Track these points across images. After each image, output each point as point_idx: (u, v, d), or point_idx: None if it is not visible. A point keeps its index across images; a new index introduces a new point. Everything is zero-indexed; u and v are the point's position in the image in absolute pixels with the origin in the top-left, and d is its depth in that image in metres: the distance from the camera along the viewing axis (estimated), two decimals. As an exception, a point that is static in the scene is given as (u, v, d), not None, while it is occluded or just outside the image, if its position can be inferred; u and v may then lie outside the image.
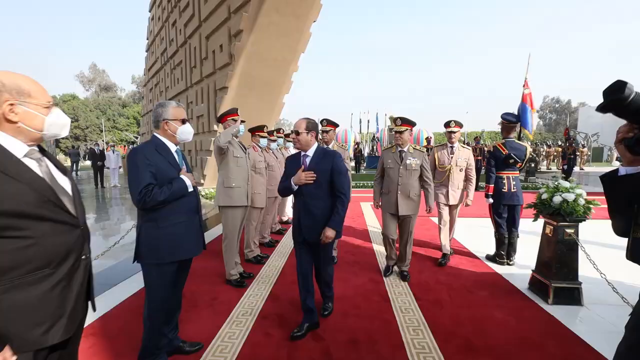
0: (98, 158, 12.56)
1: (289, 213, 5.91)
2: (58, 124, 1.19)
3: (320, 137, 4.08)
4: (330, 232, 2.33)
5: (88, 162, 20.47)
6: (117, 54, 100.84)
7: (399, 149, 3.35)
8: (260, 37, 7.57)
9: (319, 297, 2.69)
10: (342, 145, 3.99)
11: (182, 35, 11.61)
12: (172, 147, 2.00)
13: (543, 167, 21.44)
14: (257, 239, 4.12)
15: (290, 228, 3.41)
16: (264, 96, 8.64)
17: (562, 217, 2.87)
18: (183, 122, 1.99)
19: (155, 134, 1.98)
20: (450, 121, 3.87)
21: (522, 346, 2.29)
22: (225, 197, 3.15)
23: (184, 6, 11.35)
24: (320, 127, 3.87)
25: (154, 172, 1.84)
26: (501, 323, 2.60)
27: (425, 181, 3.36)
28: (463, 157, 3.87)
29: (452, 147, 3.89)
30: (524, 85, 3.93)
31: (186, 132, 2.01)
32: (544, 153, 22.17)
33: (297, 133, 2.40)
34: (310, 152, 2.43)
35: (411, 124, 3.30)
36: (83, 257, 1.22)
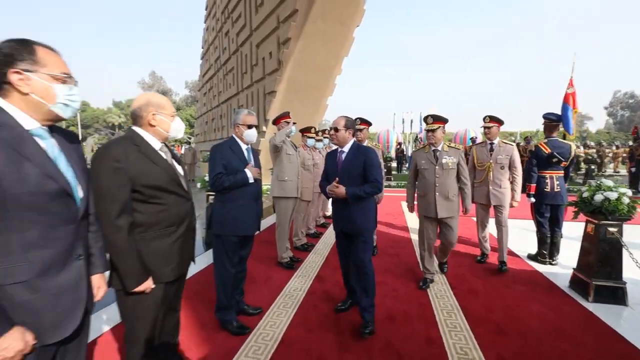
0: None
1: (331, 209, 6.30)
2: (177, 128, 1.67)
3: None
4: (341, 189, 2.39)
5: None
6: (173, 61, 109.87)
7: (433, 148, 3.22)
8: (306, 43, 8.06)
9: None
10: (376, 145, 4.20)
11: (235, 44, 12.58)
12: (243, 146, 2.49)
13: (610, 169, 19.45)
14: (304, 229, 4.56)
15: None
16: (309, 99, 9.14)
17: (603, 216, 2.89)
18: (249, 127, 2.46)
19: (233, 134, 2.48)
20: (485, 116, 3.73)
21: (555, 336, 2.40)
22: (279, 189, 3.62)
23: (236, 17, 12.30)
24: None
25: (225, 164, 2.35)
26: (536, 314, 2.71)
27: (462, 181, 3.20)
28: (504, 154, 3.66)
29: (491, 144, 3.75)
30: (568, 85, 3.88)
31: (250, 135, 2.48)
32: (610, 154, 20.07)
33: (336, 130, 2.52)
34: (346, 148, 2.56)
35: (443, 120, 3.19)
36: (193, 222, 1.71)
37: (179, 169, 1.70)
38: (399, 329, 2.49)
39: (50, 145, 1.08)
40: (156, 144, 1.59)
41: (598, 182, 3.03)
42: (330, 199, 2.67)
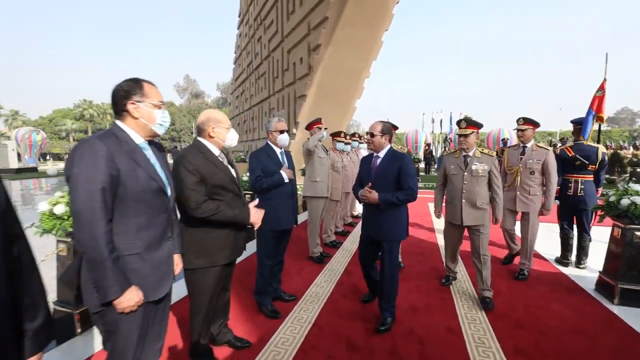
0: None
1: (359, 209, 6.55)
2: (232, 138, 2.02)
3: None
4: (374, 195, 2.43)
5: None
6: (206, 63, 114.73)
7: (464, 153, 3.12)
8: (336, 49, 8.35)
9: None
10: (401, 148, 4.38)
11: (266, 50, 13.13)
12: (277, 150, 2.82)
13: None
14: (333, 227, 4.85)
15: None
16: (337, 102, 9.42)
17: (630, 220, 2.92)
18: (281, 132, 2.79)
19: (267, 141, 2.83)
20: (519, 118, 3.54)
21: (574, 334, 2.51)
22: (311, 189, 3.94)
23: (268, 24, 12.84)
24: None
25: (263, 168, 2.69)
26: (556, 313, 2.82)
27: (494, 189, 3.04)
28: (536, 159, 3.44)
29: (524, 147, 3.57)
30: (598, 88, 3.84)
31: (283, 139, 2.82)
32: None
33: (372, 135, 2.55)
34: (382, 154, 2.57)
35: (477, 126, 3.09)
36: None
37: (233, 171, 2.05)
38: (421, 318, 2.71)
39: (150, 154, 1.45)
40: (216, 151, 1.95)
41: (625, 186, 3.05)
42: (362, 204, 2.69)
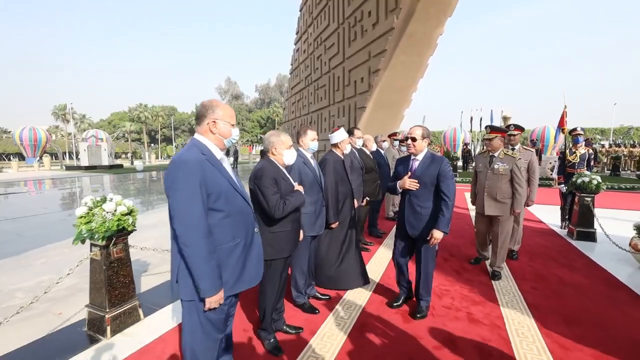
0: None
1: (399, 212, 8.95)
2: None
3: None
4: (437, 234, 2.50)
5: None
6: (245, 67, 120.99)
7: (490, 154, 3.60)
8: (391, 72, 10.76)
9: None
10: (434, 147, 6.39)
11: (327, 67, 15.76)
12: (382, 151, 5.40)
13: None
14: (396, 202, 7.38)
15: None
16: (390, 112, 11.83)
17: (582, 191, 5.13)
18: (385, 141, 5.36)
19: (378, 148, 5.40)
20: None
21: (539, 247, 4.80)
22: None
23: (329, 45, 15.48)
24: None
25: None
26: (535, 242, 5.09)
27: (514, 186, 3.45)
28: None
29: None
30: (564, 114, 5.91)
31: (386, 144, 5.38)
32: (625, 152, 19.37)
33: (414, 139, 2.60)
34: (420, 157, 2.65)
35: (501, 131, 3.57)
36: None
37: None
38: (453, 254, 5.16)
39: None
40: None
41: (582, 172, 5.24)
42: (399, 201, 2.91)
